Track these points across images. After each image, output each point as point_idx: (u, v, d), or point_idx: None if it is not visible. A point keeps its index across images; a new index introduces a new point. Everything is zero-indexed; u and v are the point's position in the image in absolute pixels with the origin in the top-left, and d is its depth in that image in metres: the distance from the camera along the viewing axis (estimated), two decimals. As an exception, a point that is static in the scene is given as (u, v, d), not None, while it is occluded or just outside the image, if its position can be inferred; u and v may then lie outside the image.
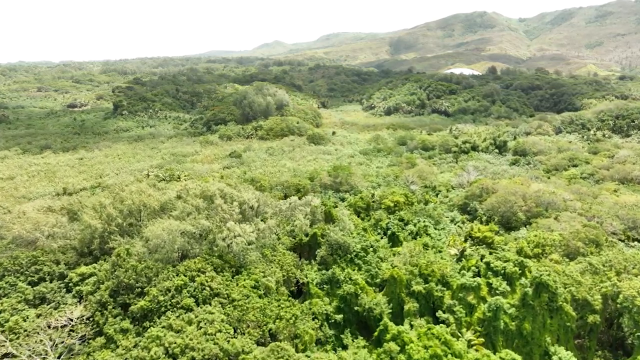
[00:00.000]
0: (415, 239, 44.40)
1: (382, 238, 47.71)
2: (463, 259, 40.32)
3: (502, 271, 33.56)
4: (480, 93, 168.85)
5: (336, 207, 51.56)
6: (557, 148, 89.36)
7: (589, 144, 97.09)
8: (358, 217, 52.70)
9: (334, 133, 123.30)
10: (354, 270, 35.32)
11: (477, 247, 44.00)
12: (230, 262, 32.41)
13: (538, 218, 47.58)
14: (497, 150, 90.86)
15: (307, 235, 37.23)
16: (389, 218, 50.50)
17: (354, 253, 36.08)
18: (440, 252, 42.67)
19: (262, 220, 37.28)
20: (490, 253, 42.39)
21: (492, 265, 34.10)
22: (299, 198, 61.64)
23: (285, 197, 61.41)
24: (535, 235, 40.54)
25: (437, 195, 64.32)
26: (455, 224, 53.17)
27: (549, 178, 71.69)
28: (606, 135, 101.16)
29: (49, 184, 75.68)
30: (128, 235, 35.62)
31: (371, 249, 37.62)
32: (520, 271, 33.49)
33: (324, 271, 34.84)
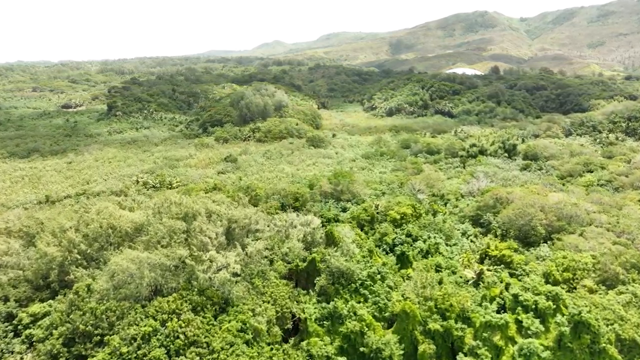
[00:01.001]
0: (426, 257, 39.96)
1: (387, 254, 43.27)
2: (481, 283, 35.88)
3: (534, 306, 29.08)
4: (484, 93, 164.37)
5: (338, 221, 47.10)
6: (569, 152, 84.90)
7: (602, 147, 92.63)
8: (362, 230, 48.24)
9: (334, 135, 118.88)
10: (359, 302, 30.69)
11: (495, 267, 39.55)
12: (212, 299, 27.67)
13: (560, 233, 43.12)
14: (506, 154, 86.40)
15: (304, 260, 32.66)
16: (396, 232, 46.05)
17: (359, 282, 31.47)
18: (454, 272, 38.22)
19: (254, 240, 32.75)
20: (511, 275, 37.95)
21: (520, 298, 29.58)
22: (298, 208, 57.17)
23: (283, 207, 57.02)
24: (564, 257, 36.07)
25: (445, 204, 59.88)
26: (467, 238, 48.74)
27: (564, 185, 67.27)
28: (619, 138, 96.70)
29: (32, 191, 71.24)
30: (94, 263, 30.17)
31: (378, 275, 33.10)
32: (554, 306, 29.05)
33: (324, 304, 30.12)
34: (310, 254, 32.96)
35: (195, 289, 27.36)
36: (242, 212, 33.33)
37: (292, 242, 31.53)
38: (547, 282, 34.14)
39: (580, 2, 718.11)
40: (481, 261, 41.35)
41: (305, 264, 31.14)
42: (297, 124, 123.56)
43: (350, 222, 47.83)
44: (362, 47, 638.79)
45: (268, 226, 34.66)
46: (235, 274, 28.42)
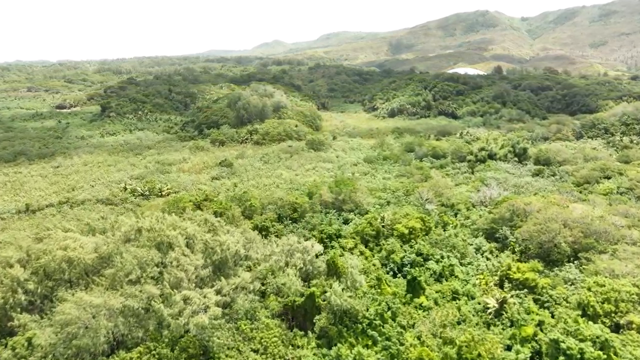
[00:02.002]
0: (440, 281, 35.50)
1: (395, 276, 38.79)
2: (504, 313, 31.42)
3: (579, 355, 24.54)
4: (489, 94, 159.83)
5: (340, 237, 42.59)
6: (582, 156, 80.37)
7: (616, 151, 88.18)
8: (366, 246, 43.77)
9: (334, 137, 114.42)
10: (366, 346, 26.20)
11: (517, 291, 35.09)
12: (188, 349, 22.94)
13: (588, 252, 38.63)
14: (516, 159, 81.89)
15: (302, 295, 28.10)
16: (404, 250, 41.57)
17: (366, 321, 26.95)
18: (472, 298, 33.75)
19: (244, 270, 28.19)
20: (535, 301, 33.47)
21: (562, 345, 24.92)
22: (296, 219, 52.64)
23: (280, 218, 52.58)
24: (601, 285, 31.63)
25: (455, 215, 55.40)
26: (482, 255, 44.26)
27: (580, 192, 62.83)
28: (634, 141, 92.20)
29: (13, 199, 66.77)
30: (47, 302, 24.71)
31: (389, 312, 28.59)
32: (604, 356, 24.60)
33: (324, 349, 25.50)
34: (309, 286, 28.47)
35: (166, 340, 22.51)
36: (230, 238, 28.77)
37: (288, 277, 26.96)
38: (583, 314, 29.75)
39: (581, 1, 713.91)
40: (501, 284, 36.89)
41: (302, 299, 26.72)
42: (296, 126, 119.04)
43: (354, 238, 43.35)
44: (362, 47, 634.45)
45: (261, 252, 29.90)
46: (216, 317, 23.79)
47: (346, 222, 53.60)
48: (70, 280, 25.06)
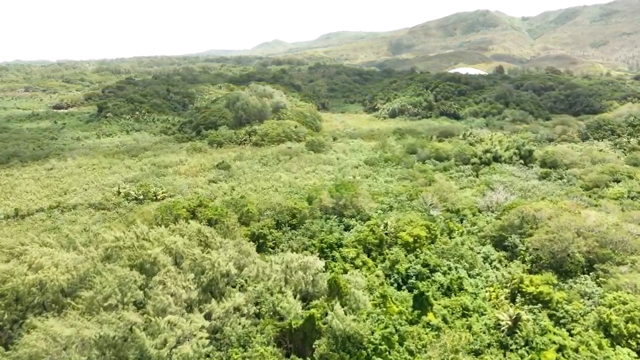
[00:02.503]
0: (448, 295, 33.31)
1: (399, 288, 36.62)
2: (517, 331, 29.23)
3: None
4: (491, 94, 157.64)
5: (341, 246, 40.37)
6: (590, 159, 78.18)
7: (623, 153, 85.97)
8: (368, 256, 41.58)
9: (335, 139, 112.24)
10: (371, 375, 24.18)
11: (530, 305, 32.91)
12: None
13: (605, 263, 36.44)
14: (521, 161, 79.68)
15: (300, 317, 25.89)
16: (409, 260, 39.38)
17: (371, 346, 24.73)
18: (482, 314, 31.58)
19: (239, 290, 25.83)
20: (550, 316, 31.31)
21: None
22: (295, 226, 50.50)
23: (278, 224, 50.39)
24: (622, 301, 29.49)
25: (461, 221, 53.20)
26: (490, 264, 42.07)
27: (589, 197, 60.62)
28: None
29: (2, 203, 64.55)
30: (10, 332, 22.23)
31: (396, 335, 26.38)
32: None
33: (325, 378, 23.68)
34: (308, 306, 26.24)
35: (147, 374, 20.30)
36: (222, 255, 26.40)
37: (287, 299, 24.65)
38: (605, 335, 27.61)
39: (582, 1, 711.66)
40: (512, 298, 34.69)
41: (301, 322, 24.53)
42: (295, 127, 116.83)
43: (356, 247, 41.15)
44: (363, 47, 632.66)
45: (256, 269, 27.43)
46: (203, 346, 21.56)
47: (347, 228, 51.43)
48: (43, 303, 22.78)
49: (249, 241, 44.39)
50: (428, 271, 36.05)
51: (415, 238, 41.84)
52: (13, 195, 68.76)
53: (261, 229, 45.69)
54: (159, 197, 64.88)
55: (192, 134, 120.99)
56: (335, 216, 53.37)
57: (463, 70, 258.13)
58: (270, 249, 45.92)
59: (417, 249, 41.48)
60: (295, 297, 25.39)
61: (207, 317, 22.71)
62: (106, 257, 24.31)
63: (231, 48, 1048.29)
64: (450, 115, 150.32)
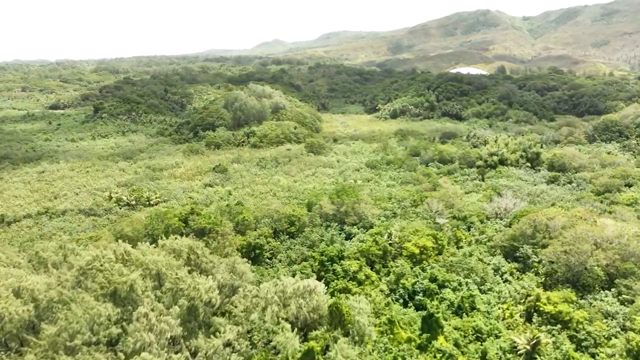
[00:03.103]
0: (459, 314, 30.71)
1: (405, 305, 34.04)
2: (537, 357, 26.63)
3: None
4: (494, 94, 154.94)
5: (342, 258, 37.73)
6: (599, 162, 75.57)
7: (633, 155, 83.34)
8: (372, 268, 38.97)
9: (335, 140, 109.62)
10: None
11: (549, 326, 30.31)
12: None
13: (628, 279, 33.83)
14: (528, 164, 77.02)
15: (298, 351, 23.31)
16: (415, 274, 36.76)
17: (379, 384, 22.32)
18: (497, 336, 28.96)
19: (230, 319, 23.00)
20: (570, 338, 28.69)
21: None
22: (293, 234, 47.91)
23: (275, 233, 47.78)
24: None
25: (468, 229, 50.59)
26: (501, 277, 39.45)
27: (601, 202, 58.05)
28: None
29: (-12, 209, 61.87)
30: None
31: (406, 369, 23.92)
32: None
33: (326, 422, 21.10)
34: (307, 337, 23.65)
35: None
36: (210, 282, 23.51)
37: (283, 333, 21.88)
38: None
39: (583, 0, 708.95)
40: (528, 316, 32.10)
41: (299, 356, 21.97)
42: (295, 128, 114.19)
43: (358, 259, 38.52)
44: (363, 47, 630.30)
45: (250, 297, 24.40)
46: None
47: (349, 237, 48.88)
48: (2, 340, 20.00)
49: (246, 253, 41.90)
50: (436, 287, 33.47)
51: (422, 249, 39.22)
52: (1, 200, 66.11)
53: (257, 238, 43.11)
54: (152, 202, 62.31)
55: (189, 135, 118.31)
56: (336, 223, 50.81)
57: (464, 70, 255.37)
58: (267, 260, 43.40)
59: (424, 261, 38.86)
60: (292, 329, 22.67)
61: (193, 354, 20.02)
62: (78, 283, 21.60)
63: (231, 48, 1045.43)
64: (453, 116, 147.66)
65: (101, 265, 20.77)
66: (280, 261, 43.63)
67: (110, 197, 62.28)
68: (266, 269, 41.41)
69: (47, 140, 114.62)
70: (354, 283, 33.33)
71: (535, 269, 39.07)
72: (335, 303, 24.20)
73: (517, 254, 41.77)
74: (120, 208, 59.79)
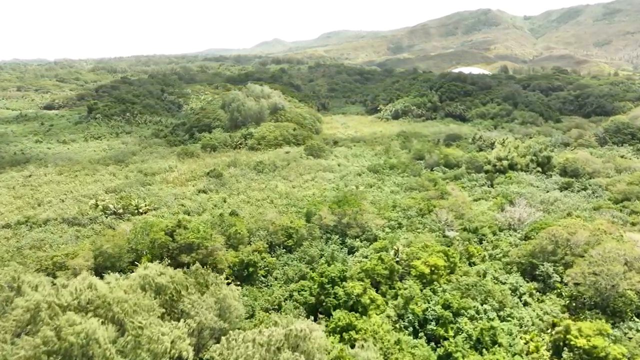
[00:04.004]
0: (479, 350, 26.90)
1: (415, 334, 30.27)
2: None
3: None
4: (499, 95, 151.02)
5: (344, 279, 33.93)
6: (613, 166, 71.79)
7: (647, 159, 79.55)
8: (377, 290, 35.18)
9: (335, 142, 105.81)
10: None
11: (580, 362, 26.49)
12: None
13: (666, 306, 30.08)
14: (539, 169, 73.22)
15: None
16: (426, 297, 32.93)
17: None
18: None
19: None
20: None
21: None
22: (291, 248, 44.09)
23: (271, 247, 44.00)
24: None
25: (480, 242, 46.79)
26: (520, 299, 35.66)
27: (620, 211, 54.29)
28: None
29: (-34, 217, 58.05)
30: None
31: None
32: None
33: None
34: (303, 397, 20.21)
35: None
36: (182, 328, 19.73)
37: None
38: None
39: (585, 0, 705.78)
40: (556, 350, 28.30)
41: None
42: (294, 129, 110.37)
43: (362, 280, 34.73)
44: (363, 46, 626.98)
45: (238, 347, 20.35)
46: None
47: (351, 250, 45.09)
48: None
49: (238, 271, 38.11)
50: (451, 314, 29.69)
51: (432, 268, 35.40)
52: (-19, 207, 62.27)
53: (251, 254, 39.27)
54: (141, 210, 58.49)
55: (184, 137, 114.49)
56: (337, 236, 46.99)
57: (466, 70, 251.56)
58: (262, 278, 39.61)
59: (435, 282, 35.05)
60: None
61: None
62: (17, 336, 17.79)
63: (231, 47, 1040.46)
64: (457, 117, 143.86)
65: (43, 318, 16.81)
66: (276, 279, 39.87)
67: (97, 205, 58.42)
68: (260, 289, 37.64)
69: (38, 142, 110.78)
70: (358, 315, 29.51)
71: (559, 290, 35.28)
72: (339, 356, 20.41)
73: (537, 273, 37.96)
74: (107, 217, 55.94)
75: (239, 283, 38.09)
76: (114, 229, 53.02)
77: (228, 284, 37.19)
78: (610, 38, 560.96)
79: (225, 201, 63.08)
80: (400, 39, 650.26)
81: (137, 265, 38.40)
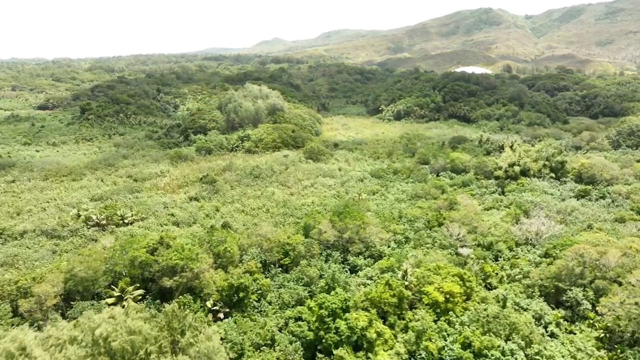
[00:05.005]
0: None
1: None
2: None
3: None
4: (504, 95, 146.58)
5: (347, 310, 29.62)
6: (633, 173, 67.46)
7: (666, 164, 75.12)
8: (384, 322, 30.89)
9: (336, 145, 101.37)
10: None
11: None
12: None
13: None
14: (552, 175, 68.89)
15: None
16: (443, 334, 28.64)
17: None
18: None
19: None
20: None
21: None
22: (287, 267, 39.89)
23: (265, 265, 39.75)
24: None
25: (496, 258, 42.52)
26: (545, 329, 31.39)
27: (644, 223, 49.91)
28: (684, 153, 79.27)
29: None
30: None
31: None
32: None
33: None
34: None
35: None
36: None
37: None
38: None
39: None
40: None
41: None
42: (293, 131, 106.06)
43: (368, 310, 30.45)
44: (364, 45, 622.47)
45: None
46: None
47: (354, 269, 40.79)
48: None
49: (227, 296, 33.82)
50: (472, 356, 25.46)
51: (447, 296, 31.12)
52: (-45, 217, 57.97)
53: (242, 277, 34.98)
54: (127, 220, 54.19)
55: (179, 138, 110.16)
56: (338, 252, 42.69)
57: (469, 69, 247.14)
58: (255, 303, 35.28)
59: (450, 312, 30.79)
60: None
61: None
62: None
63: (231, 46, 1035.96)
64: (461, 118, 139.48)
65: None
66: (270, 303, 35.64)
67: (78, 216, 54.13)
68: (252, 316, 33.35)
69: (26, 144, 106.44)
70: (363, 355, 25.27)
71: (591, 320, 31.02)
72: None
73: (563, 298, 33.70)
74: (89, 229, 51.70)
75: (227, 310, 33.90)
76: (95, 240, 48.95)
77: (215, 312, 33.03)
78: (612, 37, 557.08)
79: (218, 210, 58.80)
80: (400, 38, 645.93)
81: (113, 290, 34.25)
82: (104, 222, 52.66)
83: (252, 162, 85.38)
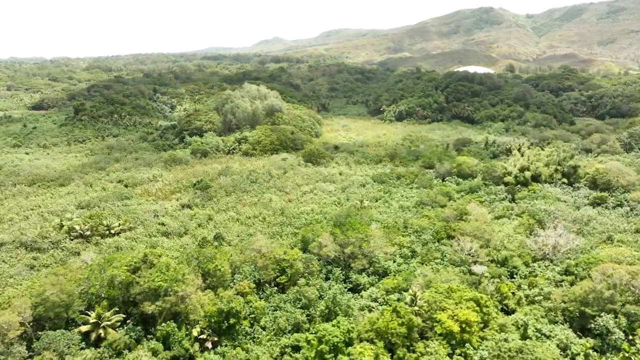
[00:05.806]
0: None
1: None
2: None
3: None
4: (509, 95, 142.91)
5: (350, 344, 26.11)
6: (649, 178, 63.80)
7: (683, 169, 71.55)
8: (392, 356, 27.33)
9: (337, 147, 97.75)
10: None
11: None
12: None
13: None
14: (564, 180, 65.33)
15: None
16: (458, 369, 25.16)
17: None
18: None
19: None
20: None
21: None
22: (284, 287, 36.39)
23: (259, 285, 36.22)
24: None
25: (511, 275, 39.00)
26: (573, 361, 27.87)
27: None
28: (701, 157, 75.76)
29: None
30: None
31: None
32: None
33: None
34: None
35: None
36: None
37: None
38: None
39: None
40: None
41: None
42: (292, 133, 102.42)
43: (373, 342, 26.92)
44: (364, 44, 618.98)
45: None
46: None
47: (355, 289, 37.28)
48: None
49: (216, 322, 30.29)
50: (495, 402, 22.07)
51: (463, 325, 27.61)
52: None
53: (233, 299, 31.42)
54: (113, 231, 50.66)
55: (174, 140, 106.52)
56: (340, 269, 39.14)
57: (471, 69, 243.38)
58: (247, 329, 31.72)
59: (466, 342, 27.27)
60: None
61: None
62: None
63: (231, 45, 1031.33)
64: (464, 119, 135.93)
65: None
66: (264, 328, 32.14)
67: (61, 226, 50.60)
68: (244, 345, 29.81)
69: (16, 146, 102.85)
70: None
71: (626, 353, 27.50)
72: None
73: (592, 325, 30.18)
74: (72, 240, 48.20)
75: (216, 338, 30.36)
76: (78, 254, 45.46)
77: (202, 341, 29.55)
78: (614, 36, 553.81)
79: (211, 219, 55.28)
80: (401, 37, 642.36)
81: (89, 315, 30.71)
82: (88, 232, 49.12)
83: (249, 166, 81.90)
